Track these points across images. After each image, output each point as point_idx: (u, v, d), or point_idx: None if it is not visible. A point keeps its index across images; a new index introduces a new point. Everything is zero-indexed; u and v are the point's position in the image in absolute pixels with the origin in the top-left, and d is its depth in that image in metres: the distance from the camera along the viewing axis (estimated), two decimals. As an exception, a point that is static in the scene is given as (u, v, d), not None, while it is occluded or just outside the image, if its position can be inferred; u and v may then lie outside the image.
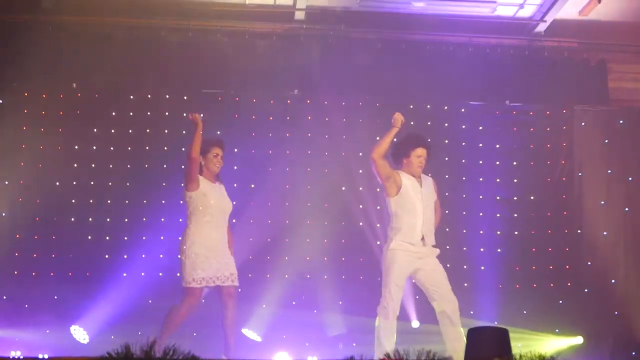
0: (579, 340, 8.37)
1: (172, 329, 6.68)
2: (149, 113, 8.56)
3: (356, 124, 8.67)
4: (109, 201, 8.39)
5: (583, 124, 9.02)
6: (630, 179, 8.97)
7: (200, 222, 6.71)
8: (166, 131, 8.55)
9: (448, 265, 8.44)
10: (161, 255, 8.23)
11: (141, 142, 8.50)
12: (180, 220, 8.20)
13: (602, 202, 8.89)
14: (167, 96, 8.61)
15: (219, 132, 8.56)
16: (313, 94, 8.76)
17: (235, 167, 8.44)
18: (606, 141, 9.02)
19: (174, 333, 6.65)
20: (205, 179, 6.82)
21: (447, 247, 8.57)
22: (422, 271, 6.66)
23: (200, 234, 6.68)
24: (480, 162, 8.84)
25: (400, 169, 6.92)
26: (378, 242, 8.38)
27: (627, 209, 8.90)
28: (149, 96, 8.60)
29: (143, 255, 8.22)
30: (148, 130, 8.53)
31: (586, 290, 8.65)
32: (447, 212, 8.65)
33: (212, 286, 6.74)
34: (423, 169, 6.91)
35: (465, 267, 8.54)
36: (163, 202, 8.35)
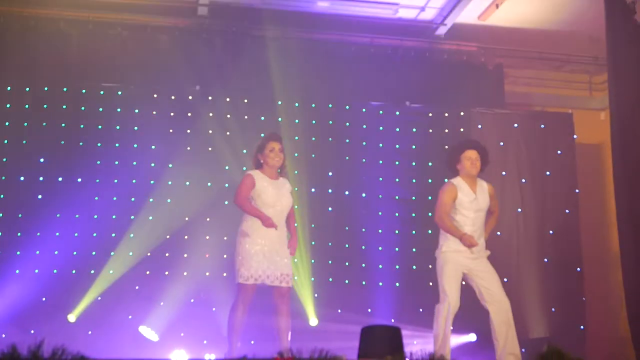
0: (472, 337, 8.57)
1: (236, 333, 6.53)
2: (45, 106, 8.33)
3: (258, 122, 8.66)
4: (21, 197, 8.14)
5: (480, 126, 9.26)
6: (523, 180, 9.25)
7: (254, 219, 6.61)
8: (63, 125, 8.35)
9: (347, 264, 8.63)
10: (56, 252, 8.03)
11: (38, 134, 8.28)
12: (77, 216, 8.13)
13: (497, 203, 9.14)
14: (65, 89, 8.41)
15: (118, 127, 8.44)
16: (215, 90, 8.72)
17: (135, 163, 8.35)
18: (501, 144, 9.27)
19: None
20: (264, 175, 6.74)
21: (347, 245, 8.71)
22: (474, 273, 6.77)
23: (254, 231, 6.59)
24: (380, 161, 8.94)
25: (457, 176, 6.97)
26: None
27: (520, 210, 9.18)
28: (46, 89, 8.37)
29: (37, 252, 8.00)
30: (45, 124, 8.31)
31: (480, 288, 8.86)
32: (347, 210, 8.80)
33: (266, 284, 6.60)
34: (478, 170, 6.93)
35: (363, 265, 8.63)
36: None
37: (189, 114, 8.57)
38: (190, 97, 8.67)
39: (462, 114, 9.27)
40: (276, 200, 6.69)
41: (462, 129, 9.19)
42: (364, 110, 9.07)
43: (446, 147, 9.10)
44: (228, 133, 8.60)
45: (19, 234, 8.02)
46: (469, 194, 6.89)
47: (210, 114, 8.61)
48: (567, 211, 9.25)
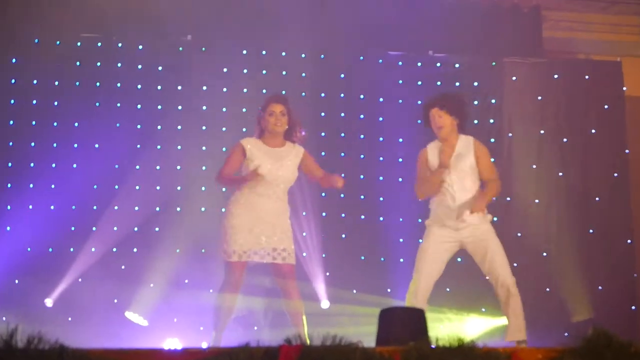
0: (506, 320, 8.56)
1: (222, 317, 6.52)
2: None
3: (258, 76, 8.62)
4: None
5: (514, 78, 9.20)
6: (565, 140, 9.19)
7: (243, 191, 6.54)
8: (34, 82, 8.37)
9: (363, 238, 8.63)
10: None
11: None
12: (53, 186, 8.17)
13: (534, 166, 9.11)
14: (36, 40, 8.41)
15: (97, 84, 8.43)
16: (209, 40, 8.68)
17: (118, 125, 8.36)
18: (539, 98, 9.22)
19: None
20: (262, 143, 6.65)
21: (362, 216, 8.71)
22: (467, 244, 6.86)
23: (240, 204, 6.52)
24: (400, 120, 8.88)
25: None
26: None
27: (561, 174, 9.14)
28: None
29: (8, 228, 8.04)
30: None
31: (515, 264, 8.81)
32: (362, 175, 8.79)
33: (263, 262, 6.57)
34: (444, 129, 6.94)
35: (382, 238, 8.63)
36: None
37: (180, 68, 8.54)
38: (180, 49, 8.65)
39: (493, 64, 9.20)
40: (270, 172, 6.53)
41: (493, 82, 9.14)
42: (380, 61, 9.01)
43: (475, 102, 9.09)
44: (225, 89, 8.56)
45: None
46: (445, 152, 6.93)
47: (204, 68, 8.56)
48: (615, 175, 9.21)
